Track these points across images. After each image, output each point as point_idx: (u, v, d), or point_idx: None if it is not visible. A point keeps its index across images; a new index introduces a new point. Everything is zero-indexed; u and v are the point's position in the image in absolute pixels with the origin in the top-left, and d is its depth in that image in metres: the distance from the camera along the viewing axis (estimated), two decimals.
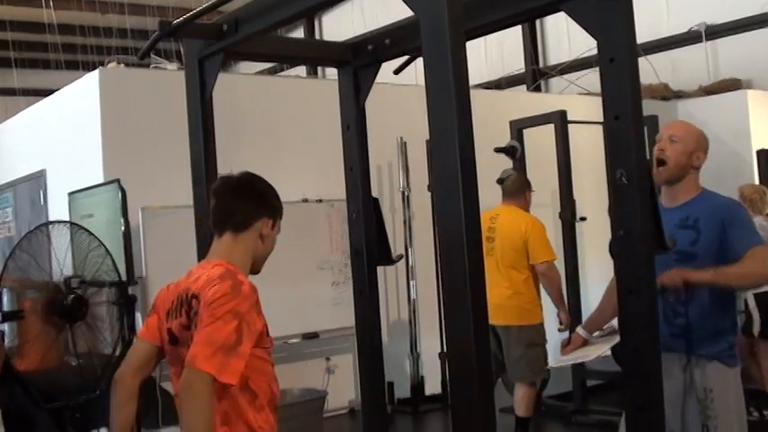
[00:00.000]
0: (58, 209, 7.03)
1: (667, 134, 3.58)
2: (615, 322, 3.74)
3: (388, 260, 3.88)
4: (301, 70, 13.28)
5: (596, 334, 3.80)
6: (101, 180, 6.49)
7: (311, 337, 7.37)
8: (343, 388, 7.56)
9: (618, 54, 2.85)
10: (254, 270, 2.92)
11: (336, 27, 15.76)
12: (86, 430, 4.78)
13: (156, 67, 7.87)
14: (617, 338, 3.54)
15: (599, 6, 2.86)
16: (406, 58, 3.89)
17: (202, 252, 3.62)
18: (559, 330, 6.13)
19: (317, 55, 3.96)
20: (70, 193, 6.49)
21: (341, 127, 3.90)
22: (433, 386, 7.93)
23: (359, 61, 3.79)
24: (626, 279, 2.90)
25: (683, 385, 3.48)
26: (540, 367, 6.20)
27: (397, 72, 4.06)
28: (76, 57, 15.35)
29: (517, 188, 6.32)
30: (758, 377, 6.87)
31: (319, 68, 12.76)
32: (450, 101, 2.35)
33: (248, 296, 2.64)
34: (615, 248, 2.93)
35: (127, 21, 13.98)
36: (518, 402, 6.22)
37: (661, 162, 3.56)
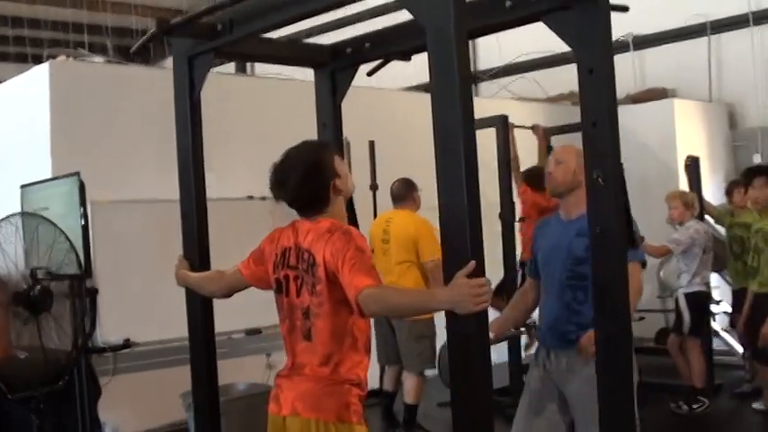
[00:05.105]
0: (7, 202, 6.96)
1: (554, 158, 4.11)
2: None
3: None
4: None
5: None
6: (48, 174, 6.48)
7: (253, 332, 7.44)
8: None
9: (596, 65, 3.06)
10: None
11: None
12: (52, 420, 4.83)
13: (82, 59, 7.78)
14: None
15: (578, 20, 3.05)
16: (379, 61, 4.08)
17: (189, 245, 3.73)
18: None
19: (296, 55, 4.10)
20: (23, 186, 6.45)
21: (316, 125, 4.07)
22: None
23: (337, 63, 3.96)
24: (601, 274, 3.12)
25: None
26: (428, 358, 6.57)
27: (370, 74, 4.24)
28: (25, 50, 15.14)
29: (403, 192, 6.76)
30: (687, 373, 7.19)
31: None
32: (454, 104, 2.52)
33: (358, 235, 3.02)
34: (592, 245, 3.15)
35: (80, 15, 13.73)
36: (408, 391, 6.69)
37: (550, 179, 4.10)
